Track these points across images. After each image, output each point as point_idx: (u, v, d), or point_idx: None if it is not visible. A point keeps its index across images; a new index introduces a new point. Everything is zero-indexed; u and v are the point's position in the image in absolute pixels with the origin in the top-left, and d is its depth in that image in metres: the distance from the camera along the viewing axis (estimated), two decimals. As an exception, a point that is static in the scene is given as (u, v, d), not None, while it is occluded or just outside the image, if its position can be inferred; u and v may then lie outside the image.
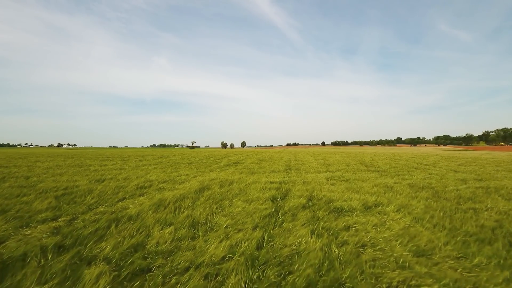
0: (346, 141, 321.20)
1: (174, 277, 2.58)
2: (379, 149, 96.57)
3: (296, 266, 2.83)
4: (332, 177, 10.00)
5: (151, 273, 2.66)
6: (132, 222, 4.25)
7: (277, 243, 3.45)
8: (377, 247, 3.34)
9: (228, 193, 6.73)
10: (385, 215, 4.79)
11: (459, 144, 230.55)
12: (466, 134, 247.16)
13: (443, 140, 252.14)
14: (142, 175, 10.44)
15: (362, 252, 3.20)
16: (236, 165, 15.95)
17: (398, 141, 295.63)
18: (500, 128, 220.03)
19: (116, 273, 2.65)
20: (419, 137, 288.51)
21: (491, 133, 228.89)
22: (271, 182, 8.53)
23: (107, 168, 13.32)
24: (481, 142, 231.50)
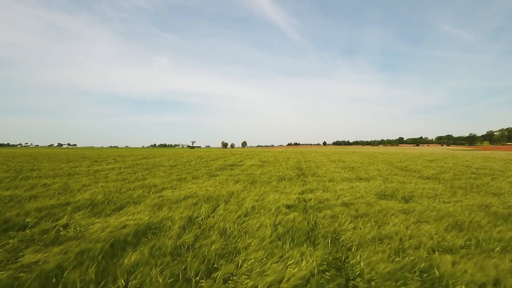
0: (348, 141, 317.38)
1: None
2: (386, 149, 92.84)
3: None
4: (382, 193, 6.33)
5: None
6: None
7: None
8: None
9: (193, 251, 3.02)
10: None
11: (463, 144, 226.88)
12: (470, 134, 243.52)
13: (446, 140, 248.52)
14: (72, 189, 6.83)
15: None
16: (231, 169, 12.34)
17: (400, 141, 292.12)
18: (505, 128, 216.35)
19: None
20: (421, 137, 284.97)
21: (495, 133, 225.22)
22: (287, 206, 4.85)
23: (40, 175, 9.72)
24: (484, 142, 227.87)
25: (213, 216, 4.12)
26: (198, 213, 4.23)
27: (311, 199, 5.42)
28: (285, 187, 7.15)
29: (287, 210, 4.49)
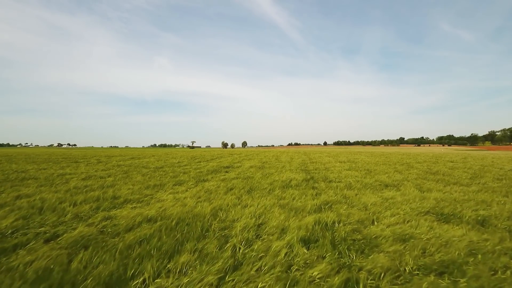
0: (349, 141, 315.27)
1: None
2: (390, 149, 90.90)
3: None
4: (435, 211, 4.45)
5: None
6: None
7: None
8: None
9: None
10: None
11: (464, 144, 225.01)
12: (472, 134, 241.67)
13: (447, 140, 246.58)
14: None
15: None
16: (226, 172, 10.48)
17: (401, 141, 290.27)
18: (507, 128, 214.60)
19: None
20: (422, 137, 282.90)
21: (497, 133, 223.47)
22: (304, 241, 2.91)
23: None
24: (486, 142, 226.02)
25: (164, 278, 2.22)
26: (134, 271, 2.32)
27: (336, 224, 3.55)
28: (293, 199, 5.30)
29: (305, 251, 2.62)
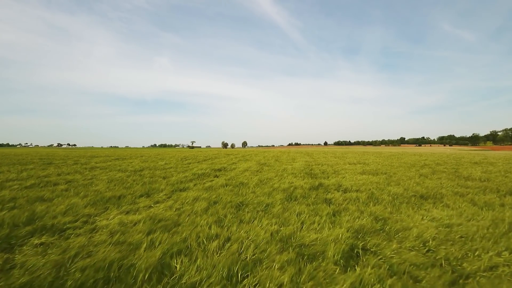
0: (349, 141, 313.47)
1: None
2: (393, 149, 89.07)
3: None
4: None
5: None
6: None
7: None
8: None
9: None
10: None
11: (465, 144, 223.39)
12: (473, 134, 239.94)
13: (448, 140, 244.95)
14: None
15: None
16: (216, 176, 8.70)
17: (402, 141, 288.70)
18: (509, 128, 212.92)
19: None
20: (423, 137, 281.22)
21: (498, 133, 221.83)
22: None
23: None
24: (488, 142, 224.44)
25: None
26: None
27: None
28: (301, 223, 3.51)
29: None
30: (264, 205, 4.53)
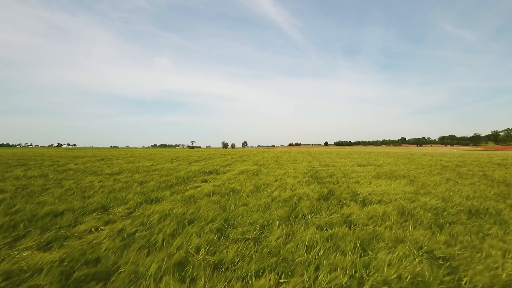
0: (350, 141, 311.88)
1: None
2: (397, 149, 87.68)
3: None
4: None
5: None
6: None
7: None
8: None
9: None
10: None
11: (467, 144, 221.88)
12: (474, 134, 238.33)
13: (449, 140, 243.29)
14: None
15: None
16: (205, 181, 7.33)
17: (402, 141, 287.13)
18: (510, 128, 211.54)
19: None
20: (424, 137, 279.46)
21: (500, 133, 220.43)
22: None
23: None
24: (489, 142, 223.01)
25: None
26: None
27: None
28: (315, 267, 2.13)
29: None
30: (257, 229, 3.16)
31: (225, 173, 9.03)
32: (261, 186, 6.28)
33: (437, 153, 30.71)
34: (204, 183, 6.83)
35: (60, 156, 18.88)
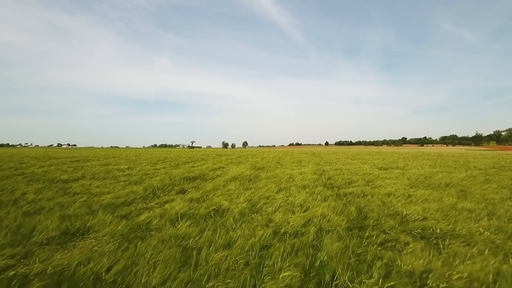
0: (350, 141, 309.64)
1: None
2: (398, 149, 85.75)
3: None
4: None
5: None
6: None
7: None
8: None
9: None
10: None
11: (468, 144, 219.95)
12: (476, 133, 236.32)
13: (451, 140, 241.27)
14: None
15: None
16: (182, 192, 5.43)
17: (404, 141, 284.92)
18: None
19: None
20: (425, 137, 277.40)
21: (502, 133, 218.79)
22: None
23: None
24: (491, 142, 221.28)
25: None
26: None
27: None
28: None
29: None
30: None
31: (213, 179, 7.14)
32: (258, 201, 4.38)
33: (448, 153, 28.76)
34: (178, 196, 4.93)
35: (39, 156, 16.98)
